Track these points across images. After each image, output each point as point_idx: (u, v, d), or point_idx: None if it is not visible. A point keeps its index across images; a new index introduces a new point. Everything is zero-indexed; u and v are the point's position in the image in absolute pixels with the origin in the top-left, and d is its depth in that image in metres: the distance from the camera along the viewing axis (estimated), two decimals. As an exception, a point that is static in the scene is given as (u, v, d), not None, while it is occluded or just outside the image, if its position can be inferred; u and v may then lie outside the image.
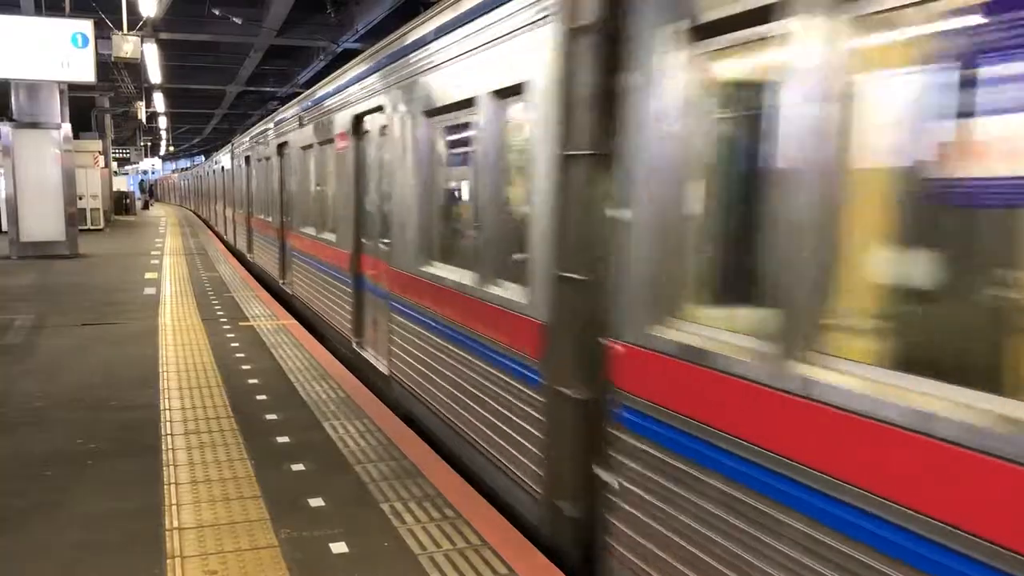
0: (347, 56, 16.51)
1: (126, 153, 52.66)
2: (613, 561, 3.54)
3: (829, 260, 2.46)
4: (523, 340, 4.28)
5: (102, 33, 17.58)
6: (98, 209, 28.33)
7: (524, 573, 3.80)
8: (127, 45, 16.86)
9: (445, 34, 5.44)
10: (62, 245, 19.01)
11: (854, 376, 2.35)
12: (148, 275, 15.55)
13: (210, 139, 58.24)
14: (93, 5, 18.30)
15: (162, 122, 43.08)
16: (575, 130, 3.74)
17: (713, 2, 2.87)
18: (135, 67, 20.98)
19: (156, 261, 18.34)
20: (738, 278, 3.02)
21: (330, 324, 9.58)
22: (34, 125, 18.79)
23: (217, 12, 20.43)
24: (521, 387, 4.33)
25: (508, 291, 4.58)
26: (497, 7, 4.58)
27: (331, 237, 9.39)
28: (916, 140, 2.34)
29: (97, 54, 17.29)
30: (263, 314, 11.23)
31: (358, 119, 8.05)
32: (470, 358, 5.06)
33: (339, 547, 4.05)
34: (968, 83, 2.17)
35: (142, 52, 17.77)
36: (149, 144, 59.35)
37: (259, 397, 6.85)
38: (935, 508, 2.05)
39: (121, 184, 47.74)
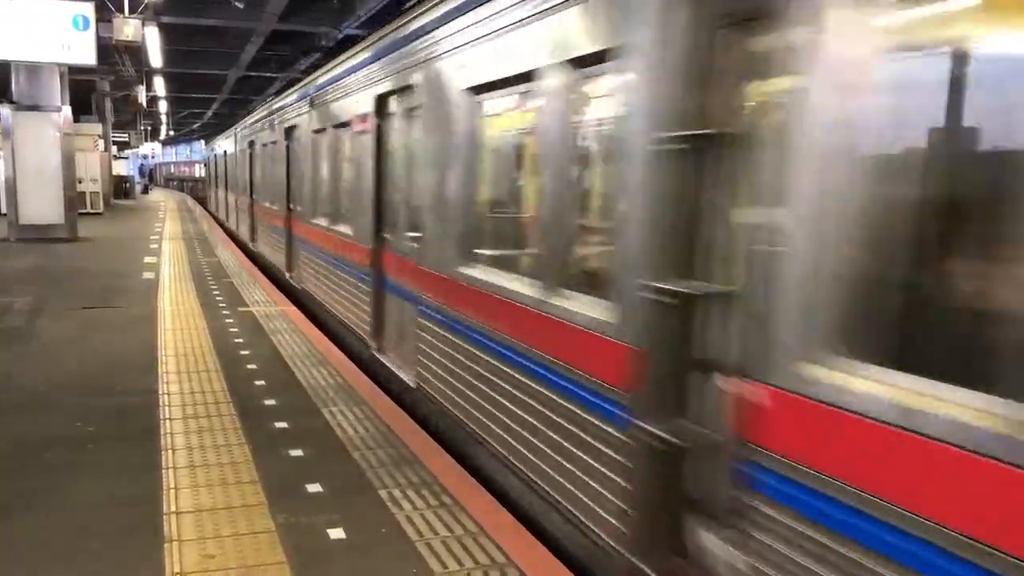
0: (348, 42, 16.44)
1: (126, 137, 52.45)
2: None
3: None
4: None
5: (103, 16, 17.47)
6: (97, 193, 28.29)
7: (521, 560, 3.82)
8: (128, 28, 16.76)
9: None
10: (61, 228, 18.97)
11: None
12: (147, 259, 15.54)
13: (211, 124, 58.09)
14: (94, -13, 18.17)
15: (162, 106, 42.91)
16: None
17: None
18: (136, 51, 20.85)
19: (155, 246, 18.32)
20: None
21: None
22: (34, 108, 18.71)
23: (219, -4, 20.30)
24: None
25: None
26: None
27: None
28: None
29: (98, 37, 17.20)
30: (262, 300, 11.23)
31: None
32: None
33: (337, 533, 4.07)
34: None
35: (143, 35, 17.66)
36: (149, 128, 59.16)
37: (258, 382, 6.86)
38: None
39: (121, 168, 47.65)
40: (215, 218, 29.07)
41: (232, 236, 21.85)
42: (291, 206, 12.54)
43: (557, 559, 3.86)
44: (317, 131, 10.33)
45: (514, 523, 4.23)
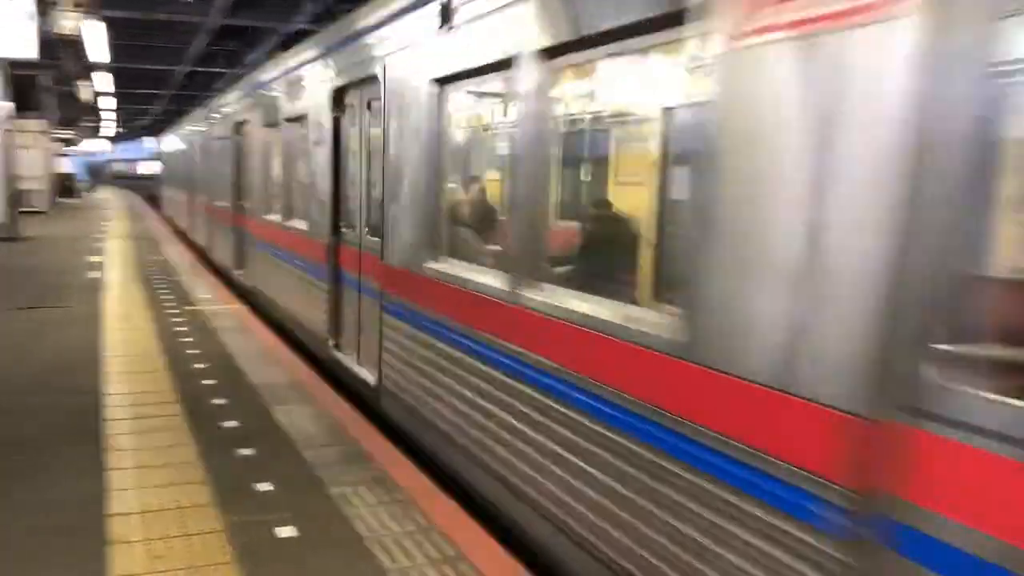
0: (296, 36, 16.21)
1: (71, 134, 51.19)
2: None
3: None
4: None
5: (45, 9, 17.02)
6: (40, 191, 27.58)
7: (472, 555, 3.83)
8: (68, 21, 16.37)
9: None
10: (3, 227, 18.44)
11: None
12: (92, 258, 15.19)
13: (159, 121, 57.01)
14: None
15: (110, 102, 41.92)
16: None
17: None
18: (76, 44, 20.37)
19: (100, 244, 17.93)
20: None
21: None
22: (-28, 103, 18.19)
23: (165, -10, 19.92)
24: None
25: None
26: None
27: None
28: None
29: (41, 31, 16.76)
30: (209, 298, 11.06)
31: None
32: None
33: (287, 531, 4.04)
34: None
35: (81, 29, 17.25)
36: (96, 125, 57.80)
37: (206, 382, 6.76)
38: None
39: (65, 166, 46.53)
40: (175, 227, 23.90)
41: (203, 254, 16.96)
42: (341, 226, 7.46)
43: (508, 553, 3.89)
44: (452, 78, 5.07)
45: (466, 519, 4.25)
